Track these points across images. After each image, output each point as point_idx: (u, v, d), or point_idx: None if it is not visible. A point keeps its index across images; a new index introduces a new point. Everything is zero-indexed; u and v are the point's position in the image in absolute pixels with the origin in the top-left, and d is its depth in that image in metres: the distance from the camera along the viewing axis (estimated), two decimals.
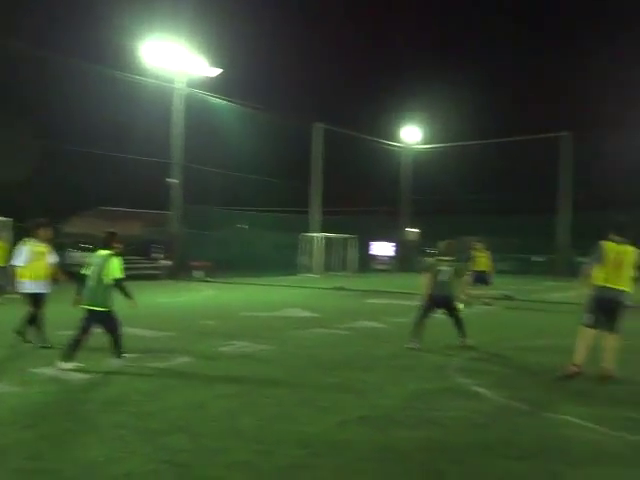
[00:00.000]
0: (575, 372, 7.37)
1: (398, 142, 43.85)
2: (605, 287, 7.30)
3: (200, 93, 30.18)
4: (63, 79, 29.73)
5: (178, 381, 6.89)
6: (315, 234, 35.26)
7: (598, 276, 7.34)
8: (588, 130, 37.85)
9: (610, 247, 7.32)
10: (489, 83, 56.88)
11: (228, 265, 29.07)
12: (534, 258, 38.14)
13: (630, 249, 7.34)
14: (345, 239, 36.26)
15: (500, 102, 49.50)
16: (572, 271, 37.00)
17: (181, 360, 7.99)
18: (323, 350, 9.01)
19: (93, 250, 7.79)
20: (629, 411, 5.92)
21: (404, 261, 42.73)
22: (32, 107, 35.90)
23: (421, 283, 9.66)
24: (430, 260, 9.89)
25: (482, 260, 16.43)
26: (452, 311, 9.61)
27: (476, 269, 16.23)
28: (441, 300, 9.54)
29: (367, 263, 41.34)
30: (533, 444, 4.86)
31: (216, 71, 29.87)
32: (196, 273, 27.93)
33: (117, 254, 7.54)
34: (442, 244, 9.97)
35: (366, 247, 41.59)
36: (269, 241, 36.26)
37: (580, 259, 36.99)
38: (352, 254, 36.58)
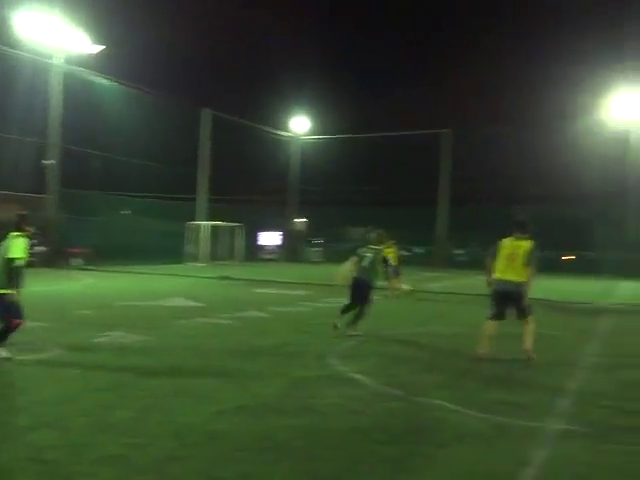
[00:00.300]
0: (481, 359, 7.90)
1: (287, 132, 44.00)
2: (502, 280, 7.91)
3: (80, 71, 28.70)
4: None
5: (49, 374, 6.55)
6: (201, 222, 34.69)
7: (496, 270, 7.96)
8: (467, 128, 39.85)
9: (506, 243, 8.00)
10: (378, 78, 58.34)
11: (110, 253, 28.00)
12: (416, 250, 39.68)
13: (525, 243, 7.93)
14: (232, 228, 35.96)
15: (389, 97, 50.91)
16: (449, 262, 39.17)
17: (54, 352, 7.61)
18: (204, 340, 8.89)
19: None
20: (496, 394, 6.29)
21: (291, 251, 43.07)
22: None
23: (343, 267, 10.06)
24: (361, 248, 10.29)
25: (389, 254, 16.79)
26: (364, 300, 9.85)
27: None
28: (360, 284, 9.81)
29: (255, 252, 41.24)
30: (406, 428, 5.06)
31: (97, 48, 28.52)
32: (74, 261, 26.68)
33: (26, 236, 7.12)
34: (373, 234, 10.43)
35: (254, 236, 41.48)
36: (154, 228, 35.25)
37: (457, 251, 39.19)
38: (239, 243, 36.36)
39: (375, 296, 10.24)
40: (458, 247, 39.32)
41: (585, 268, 33.68)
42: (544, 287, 22.58)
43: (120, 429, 4.76)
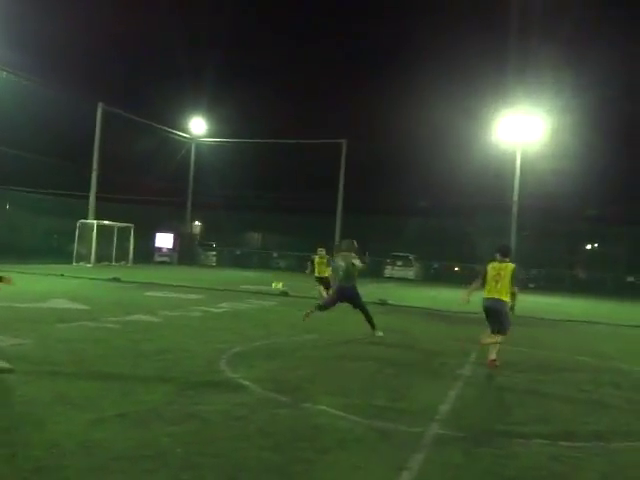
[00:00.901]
0: (495, 366, 8.67)
1: (186, 133, 43.25)
2: (486, 298, 8.85)
3: None
4: None
5: None
6: (90, 221, 33.29)
7: (485, 290, 8.90)
8: (363, 140, 40.87)
9: (492, 266, 8.95)
10: (282, 84, 58.59)
11: None
12: (314, 256, 40.03)
13: (509, 265, 8.87)
14: (123, 228, 34.77)
15: (293, 103, 51.22)
16: None
17: None
18: (87, 345, 8.51)
19: None
20: (382, 400, 6.45)
21: (185, 254, 42.29)
22: None
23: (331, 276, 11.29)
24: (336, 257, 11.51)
25: (323, 267, 16.60)
26: (358, 304, 11.18)
27: (319, 275, 16.74)
28: (344, 291, 11.08)
29: (150, 255, 40.14)
30: (289, 434, 5.07)
31: None
32: None
33: None
34: (346, 242, 11.57)
35: (150, 238, 40.39)
36: (40, 226, 33.46)
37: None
38: (130, 244, 35.21)
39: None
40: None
41: (471, 279, 35.37)
42: (429, 297, 23.53)
43: None
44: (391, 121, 43.94)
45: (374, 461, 4.59)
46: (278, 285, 12.29)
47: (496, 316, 8.77)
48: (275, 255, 44.96)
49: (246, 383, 6.77)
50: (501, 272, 8.76)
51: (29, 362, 7.17)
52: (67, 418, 5.09)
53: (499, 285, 8.70)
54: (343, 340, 10.78)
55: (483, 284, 8.94)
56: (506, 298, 8.73)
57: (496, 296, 8.70)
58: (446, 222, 40.50)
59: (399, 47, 63.57)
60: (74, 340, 8.79)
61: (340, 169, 40.14)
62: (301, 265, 36.63)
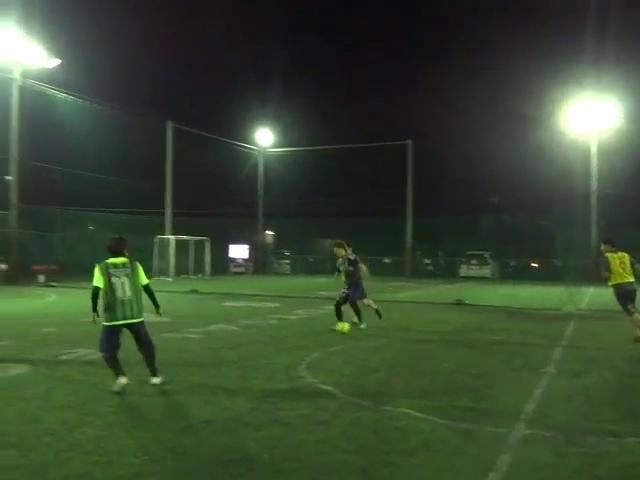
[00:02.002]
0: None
1: (253, 145, 43.99)
2: (622, 283, 10.33)
3: (40, 85, 28.24)
4: None
5: (11, 393, 6.42)
6: (167, 236, 34.39)
7: (615, 277, 10.38)
8: (429, 139, 40.36)
9: (613, 256, 10.50)
10: (344, 90, 58.79)
11: (74, 269, 27.56)
12: (385, 260, 39.78)
13: (624, 254, 10.56)
14: (199, 241, 35.74)
15: (355, 108, 51.33)
16: (417, 272, 39.42)
17: (16, 371, 7.48)
18: (171, 355, 8.79)
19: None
20: (464, 401, 6.37)
21: (260, 263, 42.95)
22: None
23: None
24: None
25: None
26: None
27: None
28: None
29: (226, 266, 41.01)
30: (372, 437, 5.08)
31: (54, 62, 28.13)
32: (39, 277, 26.25)
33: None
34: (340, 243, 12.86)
35: (224, 250, 41.27)
36: None
37: (425, 260, 39.54)
38: (206, 256, 36.12)
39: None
40: (425, 257, 39.64)
41: (551, 275, 34.29)
42: (509, 295, 22.94)
43: (85, 447, 4.69)
44: (455, 117, 43.25)
45: (460, 463, 4.53)
46: (344, 327, 11.83)
47: (634, 296, 10.36)
48: None
49: (326, 388, 6.82)
50: (624, 260, 10.43)
51: None
52: (157, 426, 5.29)
53: (627, 271, 10.39)
54: (417, 340, 10.70)
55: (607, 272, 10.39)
56: (634, 279, 10.42)
57: (631, 279, 10.37)
58: (519, 217, 39.43)
59: (463, 38, 62.50)
60: (159, 351, 8.99)
61: (407, 170, 39.83)
62: (373, 268, 36.61)
